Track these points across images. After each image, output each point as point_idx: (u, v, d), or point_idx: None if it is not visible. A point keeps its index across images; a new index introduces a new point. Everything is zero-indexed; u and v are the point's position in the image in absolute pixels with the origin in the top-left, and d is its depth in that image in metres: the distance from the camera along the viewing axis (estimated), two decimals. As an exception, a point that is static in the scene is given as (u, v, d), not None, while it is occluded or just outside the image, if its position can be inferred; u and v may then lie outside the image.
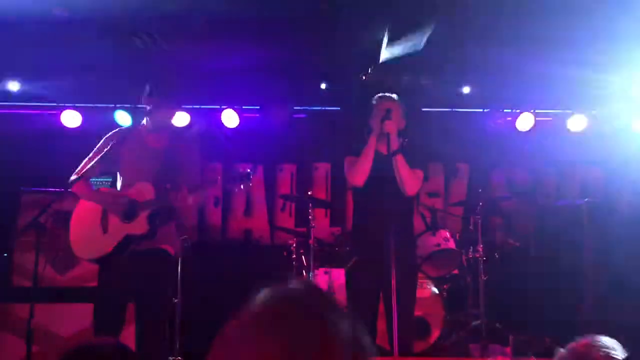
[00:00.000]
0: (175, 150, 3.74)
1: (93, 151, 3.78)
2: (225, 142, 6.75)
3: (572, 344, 1.52)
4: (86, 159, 3.77)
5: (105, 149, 3.73)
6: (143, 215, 3.56)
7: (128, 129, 3.88)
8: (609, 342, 1.49)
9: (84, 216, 3.70)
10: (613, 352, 1.45)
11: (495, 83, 6.24)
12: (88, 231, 3.65)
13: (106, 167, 3.79)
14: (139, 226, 3.55)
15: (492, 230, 6.49)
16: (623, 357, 1.38)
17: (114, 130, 3.88)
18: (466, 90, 6.32)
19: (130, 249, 3.59)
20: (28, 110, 6.63)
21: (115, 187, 3.81)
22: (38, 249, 4.30)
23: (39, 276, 4.26)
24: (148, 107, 3.74)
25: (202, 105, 6.65)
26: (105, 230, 3.60)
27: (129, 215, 3.58)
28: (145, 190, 3.60)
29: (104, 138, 3.80)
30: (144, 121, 3.82)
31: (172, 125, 4.01)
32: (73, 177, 3.73)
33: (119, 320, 3.56)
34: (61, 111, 6.43)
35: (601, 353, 1.43)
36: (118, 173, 3.80)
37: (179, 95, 3.94)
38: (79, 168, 3.76)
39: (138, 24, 4.91)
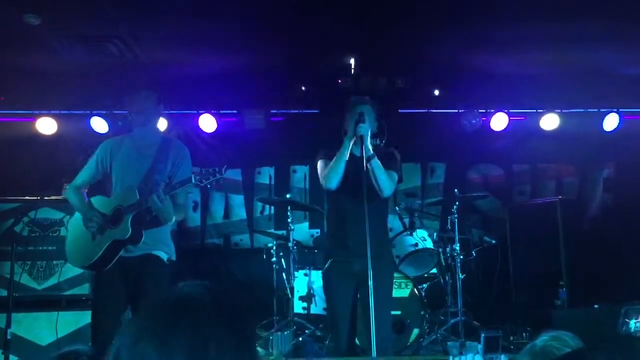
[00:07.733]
0: (166, 155, 3.77)
1: (89, 161, 3.87)
2: (203, 147, 6.75)
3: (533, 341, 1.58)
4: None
5: (97, 159, 3.82)
6: (126, 219, 3.60)
7: (120, 138, 3.95)
8: (566, 337, 1.55)
9: (77, 224, 3.77)
10: (565, 347, 1.50)
11: (469, 84, 6.32)
12: (79, 239, 3.73)
13: (97, 175, 3.86)
14: (123, 231, 3.59)
15: (468, 228, 6.57)
16: (573, 349, 1.44)
17: (106, 140, 3.96)
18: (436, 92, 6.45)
19: (121, 255, 3.62)
20: (3, 118, 6.57)
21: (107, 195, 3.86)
22: (14, 258, 4.26)
23: (16, 285, 4.21)
24: (134, 114, 3.77)
25: (180, 111, 6.64)
26: (94, 237, 3.67)
27: (114, 220, 3.63)
28: (130, 194, 3.63)
29: (98, 147, 3.89)
30: (132, 129, 3.89)
31: (159, 130, 4.06)
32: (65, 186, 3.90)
33: (115, 326, 3.59)
34: (36, 118, 6.38)
35: (555, 348, 1.49)
36: (112, 180, 3.85)
37: (163, 101, 3.98)
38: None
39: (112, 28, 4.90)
